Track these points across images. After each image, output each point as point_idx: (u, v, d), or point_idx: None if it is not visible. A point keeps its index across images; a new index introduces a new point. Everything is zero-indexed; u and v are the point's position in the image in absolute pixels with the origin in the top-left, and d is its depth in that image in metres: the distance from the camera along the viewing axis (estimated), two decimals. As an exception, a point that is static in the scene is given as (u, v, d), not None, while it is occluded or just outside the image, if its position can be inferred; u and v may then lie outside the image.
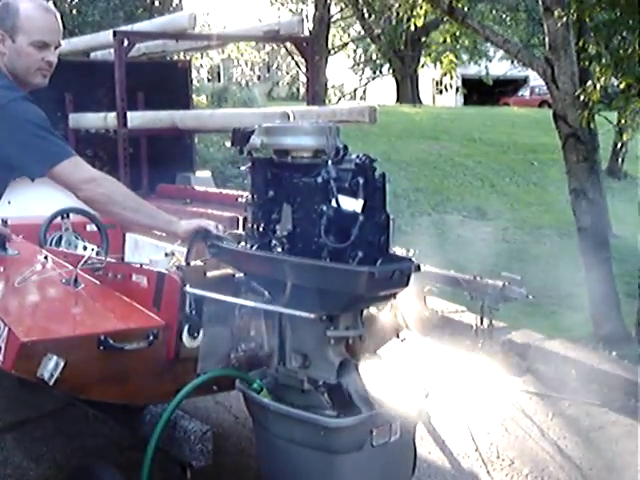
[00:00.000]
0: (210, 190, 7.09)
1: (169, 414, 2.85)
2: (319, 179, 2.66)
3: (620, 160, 16.07)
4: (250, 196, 2.96)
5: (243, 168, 3.01)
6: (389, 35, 15.89)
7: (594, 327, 5.80)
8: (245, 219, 3.02)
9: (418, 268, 2.74)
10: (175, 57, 9.87)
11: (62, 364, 2.71)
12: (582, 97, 6.30)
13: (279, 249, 2.78)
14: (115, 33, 6.35)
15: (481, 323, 5.37)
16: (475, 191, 15.06)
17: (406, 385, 2.95)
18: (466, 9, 8.00)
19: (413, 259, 2.78)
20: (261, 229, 2.91)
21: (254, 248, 2.91)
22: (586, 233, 5.95)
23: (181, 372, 3.05)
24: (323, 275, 2.63)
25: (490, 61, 27.45)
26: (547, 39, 6.18)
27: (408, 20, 10.23)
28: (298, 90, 22.98)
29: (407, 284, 2.73)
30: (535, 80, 30.95)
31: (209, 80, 20.48)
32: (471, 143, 18.27)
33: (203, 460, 2.90)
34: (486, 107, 25.80)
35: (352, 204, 2.63)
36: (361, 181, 2.65)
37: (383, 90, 29.91)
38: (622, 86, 6.27)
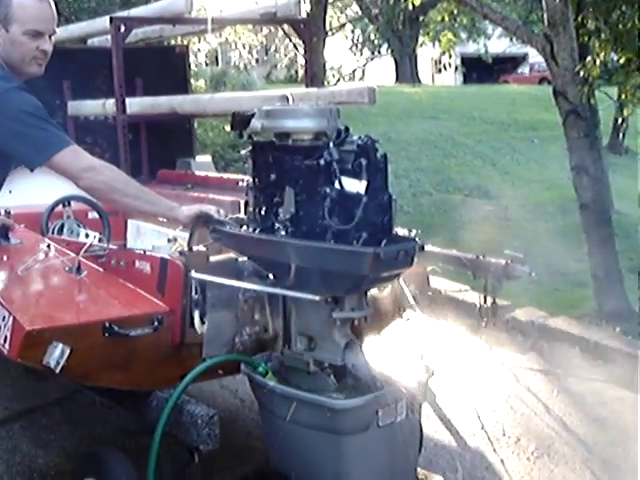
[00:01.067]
0: (211, 175, 7.09)
1: (175, 399, 2.86)
2: (321, 161, 2.66)
3: (621, 136, 16.03)
4: (251, 180, 2.96)
5: (243, 152, 3.00)
6: (387, 15, 15.81)
7: (598, 304, 5.80)
8: (246, 203, 3.01)
9: (422, 248, 2.74)
10: (172, 42, 9.85)
11: (68, 351, 2.72)
12: (582, 73, 6.28)
13: (282, 232, 2.78)
14: (112, 19, 6.33)
15: (484, 302, 5.39)
16: (476, 170, 15.03)
17: (411, 365, 2.95)
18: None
19: (417, 239, 2.77)
20: (263, 212, 2.91)
21: (256, 232, 2.91)
22: (588, 210, 5.94)
23: (186, 357, 3.06)
24: (328, 257, 2.63)
25: (489, 39, 27.34)
26: (545, 15, 6.14)
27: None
28: (296, 72, 22.90)
29: (411, 264, 2.74)
30: (534, 57, 30.85)
31: (207, 64, 20.42)
32: (471, 121, 18.21)
33: (211, 444, 2.91)
34: (486, 85, 25.68)
35: (355, 185, 2.62)
36: (364, 162, 2.64)
37: (382, 70, 29.82)
38: (622, 61, 6.25)
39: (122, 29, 6.32)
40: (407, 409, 2.87)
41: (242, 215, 3.09)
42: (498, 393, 4.63)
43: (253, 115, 2.92)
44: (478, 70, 29.39)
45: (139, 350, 2.94)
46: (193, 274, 2.91)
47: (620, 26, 6.54)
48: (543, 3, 6.23)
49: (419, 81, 28.02)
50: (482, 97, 21.87)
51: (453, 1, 8.31)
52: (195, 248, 3.07)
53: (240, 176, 8.48)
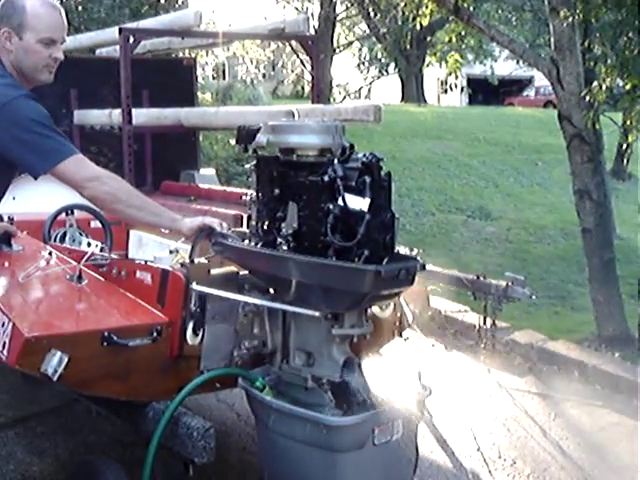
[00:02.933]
0: (214, 188, 7.09)
1: (172, 411, 2.86)
2: (326, 177, 2.67)
3: (625, 161, 16.06)
4: (255, 194, 2.97)
5: (248, 166, 3.01)
6: (395, 34, 15.85)
7: (597, 328, 5.80)
8: (249, 217, 3.02)
9: (423, 267, 2.74)
10: (180, 54, 9.89)
11: (66, 360, 2.71)
12: (588, 98, 6.30)
13: (284, 247, 2.79)
14: (121, 30, 6.35)
15: (484, 323, 5.38)
16: (479, 191, 15.06)
17: (408, 384, 2.95)
18: (471, 9, 7.98)
19: (418, 258, 2.77)
20: (265, 227, 2.92)
21: (258, 246, 2.91)
22: (590, 234, 5.95)
23: (184, 369, 3.05)
24: (329, 273, 2.63)
25: (495, 61, 27.44)
26: (552, 39, 6.16)
27: (414, 19, 10.22)
28: (303, 88, 22.97)
29: (412, 283, 2.74)
30: (540, 80, 30.95)
31: (214, 78, 20.47)
32: (475, 143, 18.26)
33: (206, 457, 2.90)
34: (491, 107, 25.81)
35: (359, 203, 2.63)
36: (368, 180, 2.65)
37: (388, 89, 29.92)
38: (628, 87, 6.27)
39: (131, 40, 6.34)
40: (403, 428, 2.87)
41: (245, 229, 3.10)
42: (495, 415, 4.62)
43: (259, 130, 2.94)
44: (484, 92, 29.50)
45: (137, 360, 2.93)
46: (194, 286, 2.91)
47: (627, 52, 6.57)
48: (550, 27, 6.26)
49: (425, 101, 28.10)
50: (487, 119, 21.94)
51: (461, 22, 8.30)
52: (197, 260, 3.07)
53: (243, 190, 8.50)
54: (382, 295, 2.74)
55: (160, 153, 7.83)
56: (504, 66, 28.94)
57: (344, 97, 20.40)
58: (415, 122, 19.28)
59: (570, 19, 5.99)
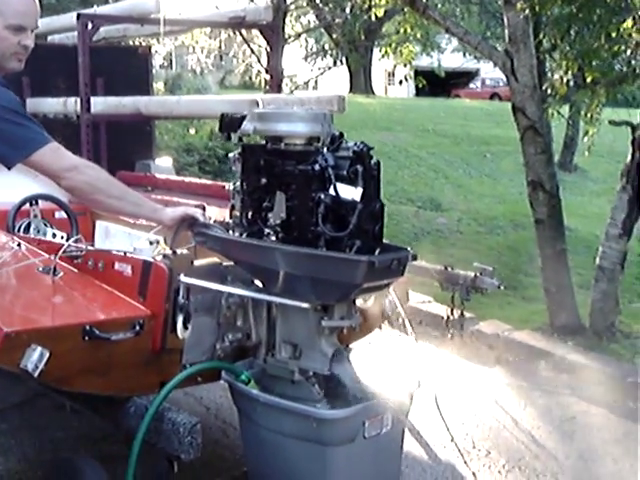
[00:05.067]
0: (171, 178, 6.98)
1: (156, 406, 2.78)
2: (316, 166, 2.62)
3: (571, 153, 16.32)
4: (239, 183, 2.90)
5: (231, 155, 2.94)
6: (350, 25, 15.83)
7: (550, 318, 5.86)
8: (232, 207, 2.95)
9: (414, 258, 2.71)
10: (131, 42, 9.72)
11: (47, 355, 2.63)
12: (549, 90, 6.36)
13: (272, 237, 2.73)
14: (79, 15, 6.19)
15: (451, 313, 5.39)
16: (429, 182, 15.15)
17: (397, 376, 2.92)
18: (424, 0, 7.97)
19: (409, 248, 2.74)
20: (250, 217, 2.85)
21: (243, 236, 2.85)
22: (543, 225, 6.00)
23: (166, 363, 2.98)
24: (320, 264, 2.58)
25: (442, 53, 27.60)
26: (507, 32, 6.19)
27: (368, 10, 10.20)
28: (250, 79, 22.81)
29: (403, 274, 2.71)
30: (486, 73, 31.29)
31: (162, 67, 20.24)
32: (425, 134, 18.36)
33: (192, 453, 2.83)
34: (438, 99, 25.95)
35: (351, 192, 2.59)
36: (360, 169, 2.61)
37: (335, 81, 29.89)
38: (588, 80, 6.33)
39: (89, 26, 6.18)
40: (392, 421, 2.84)
41: (227, 219, 3.03)
42: (466, 406, 4.62)
43: (244, 117, 2.87)
44: (430, 84, 29.62)
45: (119, 355, 2.86)
46: (182, 278, 2.83)
47: (586, 45, 6.63)
48: (505, 19, 6.28)
49: (373, 92, 28.15)
50: (435, 110, 22.07)
51: (417, 14, 8.29)
52: (178, 251, 3.00)
53: (201, 180, 8.41)
54: (374, 286, 2.70)
55: (115, 143, 7.68)
56: (451, 58, 29.15)
57: (295, 88, 20.31)
58: (364, 113, 19.27)
59: (526, 11, 6.02)
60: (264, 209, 2.80)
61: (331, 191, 2.61)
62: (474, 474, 3.87)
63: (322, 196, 2.60)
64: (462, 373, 5.12)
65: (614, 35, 6.13)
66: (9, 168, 2.88)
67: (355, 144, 2.69)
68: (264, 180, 2.78)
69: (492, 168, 16.77)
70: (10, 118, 2.77)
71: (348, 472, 2.79)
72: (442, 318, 5.67)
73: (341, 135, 2.76)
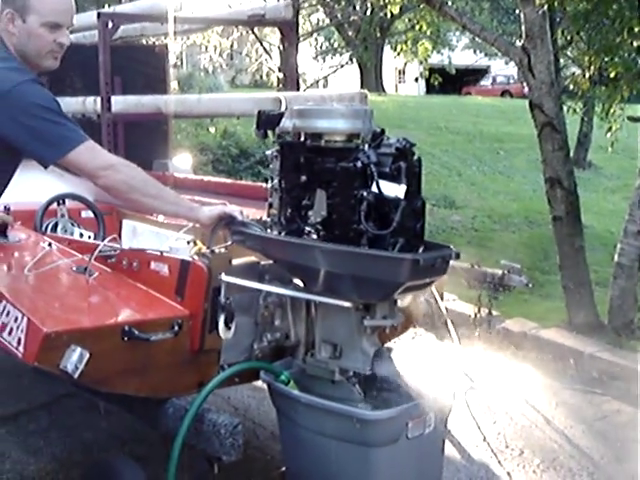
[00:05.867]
0: (190, 177, 6.96)
1: (197, 407, 2.75)
2: (358, 163, 2.58)
3: (585, 150, 16.26)
4: (277, 181, 2.86)
5: (269, 152, 2.90)
6: (366, 23, 15.78)
7: (568, 315, 5.82)
8: (270, 205, 2.91)
9: (458, 256, 2.67)
10: (145, 41, 9.69)
11: (87, 356, 2.59)
12: (571, 86, 6.31)
13: (313, 235, 2.70)
14: (99, 14, 6.16)
15: (478, 311, 5.36)
16: (443, 180, 15.09)
17: (440, 375, 2.88)
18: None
19: (451, 246, 2.70)
20: (289, 215, 2.81)
21: (282, 234, 2.81)
22: (561, 222, 5.96)
23: (204, 364, 2.94)
24: (363, 262, 2.54)
25: (453, 50, 27.56)
26: (523, 28, 6.14)
27: (383, 7, 10.16)
28: (261, 77, 22.79)
29: (446, 272, 2.67)
30: (500, 70, 31.23)
31: (174, 66, 20.15)
32: (437, 132, 18.31)
33: (234, 454, 2.79)
34: (450, 96, 25.89)
35: (394, 189, 2.55)
36: (403, 166, 2.57)
37: (345, 79, 29.85)
38: (612, 75, 6.29)
39: (110, 25, 6.15)
40: (435, 420, 2.80)
41: (264, 218, 2.99)
42: (496, 404, 4.58)
43: (281, 115, 2.83)
44: (441, 81, 29.62)
45: (157, 355, 2.82)
46: (224, 277, 2.80)
47: (599, 40, 6.59)
48: (521, 15, 6.23)
49: (384, 90, 28.09)
50: (447, 108, 22.02)
51: (433, 10, 8.27)
52: (216, 250, 2.96)
53: (220, 179, 8.38)
54: (417, 285, 2.66)
55: (133, 142, 7.66)
56: (461, 55, 29.11)
57: (310, 86, 20.28)
58: (376, 111, 18.76)
59: (545, 7, 5.98)
60: (304, 207, 2.76)
61: (374, 188, 2.57)
62: (509, 474, 3.83)
63: (364, 193, 2.56)
64: (491, 372, 5.07)
65: (637, 30, 6.09)
66: (45, 167, 2.86)
67: (397, 140, 2.65)
68: (304, 178, 2.75)
69: (505, 165, 16.71)
70: (46, 117, 2.74)
71: (391, 473, 2.75)
72: (468, 316, 5.66)
73: (382, 131, 2.72)
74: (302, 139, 2.78)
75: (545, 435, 4.24)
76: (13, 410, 4.38)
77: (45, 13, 2.82)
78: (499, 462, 3.94)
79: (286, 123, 2.78)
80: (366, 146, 2.67)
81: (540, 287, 7.62)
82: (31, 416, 4.34)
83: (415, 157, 2.68)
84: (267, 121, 2.90)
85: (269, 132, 2.92)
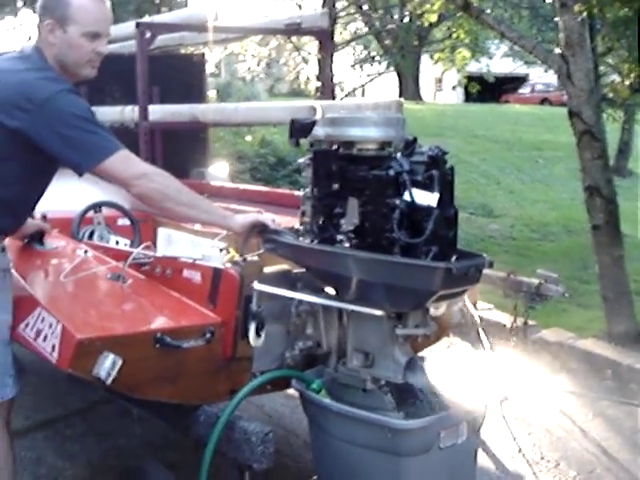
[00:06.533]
0: (226, 185, 6.99)
1: (228, 415, 2.76)
2: (391, 172, 2.57)
3: (625, 158, 16.10)
4: (309, 189, 2.85)
5: (301, 160, 2.90)
6: (404, 31, 15.76)
7: (607, 325, 5.74)
8: (302, 213, 2.91)
9: (491, 264, 2.65)
10: (183, 50, 9.76)
11: (120, 362, 2.61)
12: (610, 94, 6.24)
13: (345, 244, 2.69)
14: (138, 24, 6.22)
15: (515, 321, 5.31)
16: (481, 188, 15.02)
17: (472, 385, 2.86)
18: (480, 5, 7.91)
19: (484, 255, 2.68)
20: (321, 223, 2.81)
21: (314, 243, 2.81)
22: (600, 231, 5.90)
23: (236, 371, 2.95)
24: (397, 271, 2.53)
25: (491, 58, 27.41)
26: (562, 35, 6.09)
27: (420, 16, 10.14)
28: (299, 86, 22.87)
29: (479, 281, 2.65)
30: (539, 78, 30.99)
31: (212, 75, 20.34)
32: (475, 140, 18.22)
33: (265, 462, 2.79)
34: (488, 104, 25.75)
35: (427, 198, 2.53)
36: (436, 174, 2.55)
37: (383, 88, 29.84)
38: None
39: (147, 35, 6.21)
40: (468, 431, 2.77)
41: (296, 226, 2.99)
42: (532, 415, 4.53)
43: (314, 123, 2.83)
44: (480, 89, 29.54)
45: (189, 363, 2.83)
46: (255, 285, 2.80)
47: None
48: (560, 23, 6.18)
49: (421, 98, 28.03)
50: (485, 116, 21.91)
51: (470, 18, 8.23)
52: (248, 258, 2.97)
53: (256, 187, 8.42)
54: (450, 294, 2.64)
55: (170, 150, 7.72)
56: (500, 64, 28.93)
57: (346, 95, 20.29)
58: (414, 119, 19.12)
59: (584, 14, 5.92)
60: (336, 215, 2.76)
61: (406, 196, 2.55)
62: (544, 486, 3.79)
63: (397, 202, 2.55)
64: (526, 382, 5.02)
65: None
66: (80, 175, 2.88)
67: (430, 148, 2.64)
68: (336, 186, 2.74)
69: (544, 174, 16.58)
70: (82, 126, 2.76)
71: (423, 483, 2.73)
72: (504, 326, 5.62)
73: (415, 140, 2.71)
74: (334, 147, 2.78)
75: (581, 447, 4.19)
76: (50, 416, 4.44)
77: (85, 23, 2.85)
78: (534, 474, 3.90)
79: (318, 131, 2.77)
80: (398, 154, 2.66)
81: (579, 297, 7.55)
82: (68, 422, 4.40)
83: (448, 165, 2.66)
84: (300, 129, 2.89)
85: (302, 140, 2.92)
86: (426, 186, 2.57)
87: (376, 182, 2.61)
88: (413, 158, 2.64)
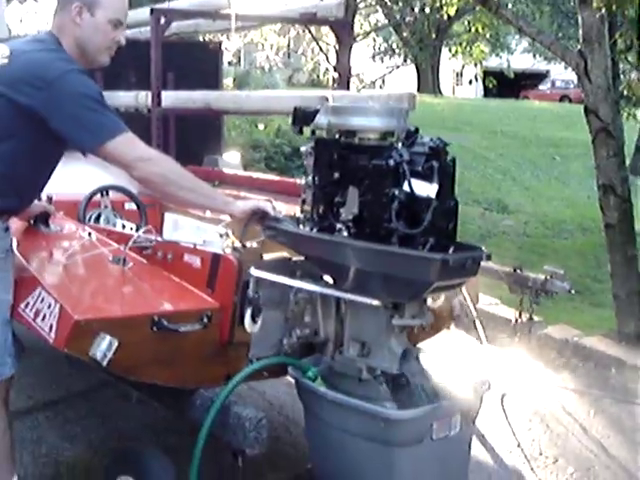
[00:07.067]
0: (239, 173, 6.99)
1: (223, 400, 2.77)
2: (391, 162, 2.56)
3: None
4: (311, 178, 2.86)
5: (303, 148, 2.90)
6: (422, 24, 15.73)
7: (618, 324, 5.71)
8: (303, 201, 2.91)
9: (489, 257, 2.64)
10: (201, 38, 9.78)
11: (116, 344, 2.63)
12: (625, 92, 6.20)
13: (344, 233, 2.69)
14: (152, 10, 6.23)
15: (519, 316, 5.28)
16: (496, 184, 14.98)
17: (467, 377, 2.86)
18: (497, -1, 7.85)
19: (483, 248, 2.67)
20: (322, 212, 2.81)
21: (314, 231, 2.81)
22: (613, 230, 5.86)
23: (233, 356, 2.97)
24: (394, 261, 2.53)
25: (512, 54, 27.29)
26: (581, 31, 6.04)
27: (440, 9, 10.10)
28: (318, 77, 22.86)
29: (476, 273, 2.64)
30: (560, 74, 30.79)
31: (230, 64, 20.36)
32: (493, 135, 18.15)
33: (257, 448, 2.81)
34: (507, 100, 25.64)
35: (426, 188, 2.53)
36: (436, 165, 2.55)
37: (402, 80, 29.77)
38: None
39: (162, 21, 6.22)
40: (461, 422, 2.78)
41: (297, 214, 2.99)
42: (532, 411, 4.52)
43: (317, 111, 2.83)
44: (499, 85, 29.41)
45: (186, 346, 2.85)
46: (252, 271, 2.81)
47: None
48: (579, 19, 6.14)
49: (440, 92, 27.96)
50: (504, 111, 21.82)
51: (489, 12, 8.18)
52: (248, 244, 2.98)
53: (268, 176, 8.43)
54: (447, 285, 2.64)
55: (184, 137, 7.74)
56: (520, 59, 28.79)
57: (362, 87, 20.25)
58: (432, 113, 19.11)
59: (603, 10, 5.87)
60: (336, 204, 2.76)
61: (405, 187, 2.55)
62: (541, 481, 3.78)
63: (396, 192, 2.55)
64: (529, 378, 5.00)
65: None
66: (84, 154, 2.92)
67: (431, 139, 2.64)
68: (337, 174, 2.74)
69: (561, 171, 16.50)
70: (90, 105, 2.79)
71: (414, 473, 2.74)
72: (509, 321, 5.58)
73: (416, 130, 2.71)
74: (336, 136, 2.78)
75: (581, 444, 4.18)
76: (52, 397, 4.47)
77: (113, 10, 2.93)
78: (532, 469, 3.89)
79: (321, 120, 2.78)
80: (400, 145, 2.66)
81: (592, 295, 7.52)
82: (69, 403, 4.42)
83: (449, 157, 2.66)
84: (303, 117, 2.90)
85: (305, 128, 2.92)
86: (425, 177, 2.57)
87: (376, 172, 2.61)
88: (414, 149, 2.63)
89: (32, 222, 3.57)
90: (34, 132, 2.85)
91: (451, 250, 2.58)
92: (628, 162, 14.38)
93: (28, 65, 2.83)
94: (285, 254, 3.03)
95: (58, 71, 2.79)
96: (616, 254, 5.85)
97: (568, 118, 20.89)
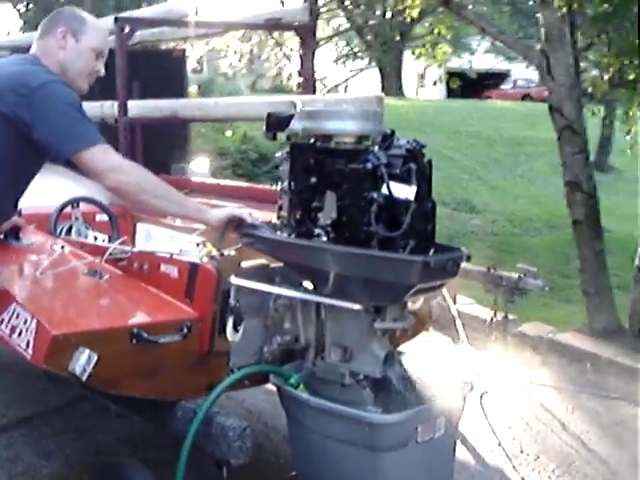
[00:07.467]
0: (207, 181, 6.95)
1: (206, 410, 2.73)
2: (368, 165, 2.55)
3: (606, 153, 16.19)
4: (286, 183, 2.84)
5: (278, 154, 2.88)
6: (385, 27, 15.77)
7: (589, 320, 5.77)
8: (280, 207, 2.89)
9: (469, 258, 2.64)
10: (164, 46, 9.71)
11: (95, 358, 2.59)
12: (590, 89, 6.26)
13: (323, 238, 2.67)
14: (116, 19, 6.18)
15: (494, 315, 5.32)
16: (463, 184, 15.07)
17: (449, 378, 2.85)
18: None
19: (462, 249, 2.67)
20: (299, 217, 2.79)
21: (292, 237, 2.79)
22: (581, 226, 5.93)
23: (214, 366, 2.93)
24: (374, 265, 2.52)
25: (473, 55, 27.47)
26: (542, 30, 6.10)
27: (402, 11, 10.12)
28: (282, 82, 22.83)
29: (457, 274, 2.64)
30: (519, 74, 31.07)
31: (194, 71, 20.25)
32: (457, 136, 18.26)
33: (242, 457, 2.78)
34: (470, 100, 25.80)
35: (405, 191, 2.52)
36: (414, 167, 2.54)
37: (365, 83, 29.83)
38: (631, 77, 6.24)
39: (126, 30, 6.17)
40: (445, 424, 2.77)
41: (274, 220, 2.97)
42: (512, 409, 4.54)
43: (291, 116, 2.81)
44: (462, 85, 29.57)
45: (166, 358, 2.81)
46: (233, 279, 2.78)
47: (618, 43, 6.54)
48: (540, 18, 6.20)
49: (404, 95, 28.07)
50: (467, 112, 21.95)
51: (451, 14, 8.24)
52: (225, 253, 2.95)
53: (237, 183, 8.39)
54: (428, 287, 2.64)
55: (151, 146, 7.67)
56: (482, 60, 28.99)
57: (328, 91, 20.27)
58: (396, 115, 19.13)
59: (564, 9, 5.93)
60: (313, 209, 2.73)
61: (384, 190, 2.54)
62: (523, 479, 3.79)
63: (375, 195, 2.53)
64: (507, 376, 5.03)
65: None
66: (61, 161, 2.93)
67: (407, 142, 2.63)
68: (313, 179, 2.72)
69: (526, 169, 16.65)
70: (72, 113, 2.88)
71: (400, 477, 2.73)
72: (485, 320, 5.62)
73: (392, 133, 2.70)
74: (312, 141, 2.76)
75: (561, 440, 4.20)
76: (27, 413, 4.40)
77: (96, 39, 3.12)
78: (514, 467, 3.90)
79: (296, 125, 2.75)
80: (376, 148, 2.65)
81: (560, 291, 7.59)
82: (45, 419, 4.35)
83: (425, 159, 2.65)
84: (277, 123, 2.88)
85: (279, 134, 2.90)
86: (403, 179, 2.56)
87: (353, 176, 2.59)
88: (391, 151, 2.62)
89: (2, 236, 3.52)
90: (15, 145, 2.93)
91: (431, 252, 2.57)
92: (592, 158, 14.59)
93: (12, 75, 2.95)
94: (263, 261, 3.01)
95: (42, 80, 2.90)
96: (584, 250, 5.92)
97: (531, 117, 21.09)
